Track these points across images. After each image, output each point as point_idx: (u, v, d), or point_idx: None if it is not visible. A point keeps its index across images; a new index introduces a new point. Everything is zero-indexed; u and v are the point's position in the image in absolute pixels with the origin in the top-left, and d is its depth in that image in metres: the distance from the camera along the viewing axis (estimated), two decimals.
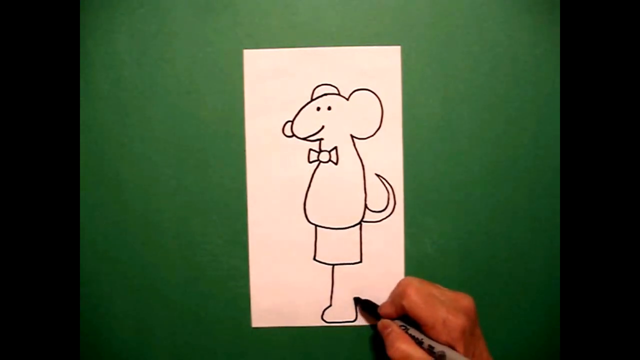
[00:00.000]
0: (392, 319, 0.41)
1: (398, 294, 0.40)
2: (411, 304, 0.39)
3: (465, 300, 0.39)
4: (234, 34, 0.44)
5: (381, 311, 0.42)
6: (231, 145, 0.44)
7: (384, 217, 0.44)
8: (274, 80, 0.44)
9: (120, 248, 0.45)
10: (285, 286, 0.45)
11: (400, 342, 0.38)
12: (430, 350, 0.37)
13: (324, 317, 0.45)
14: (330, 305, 0.45)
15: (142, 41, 0.44)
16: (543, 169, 0.44)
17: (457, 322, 0.37)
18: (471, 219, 0.44)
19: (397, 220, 0.44)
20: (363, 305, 0.44)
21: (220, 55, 0.44)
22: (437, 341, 0.37)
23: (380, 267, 0.44)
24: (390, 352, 0.38)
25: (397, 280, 0.44)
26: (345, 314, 0.45)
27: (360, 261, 0.45)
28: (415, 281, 0.40)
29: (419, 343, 0.38)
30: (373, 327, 0.45)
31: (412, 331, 0.39)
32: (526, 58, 0.44)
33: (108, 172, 0.44)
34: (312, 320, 0.45)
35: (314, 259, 0.45)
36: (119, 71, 0.44)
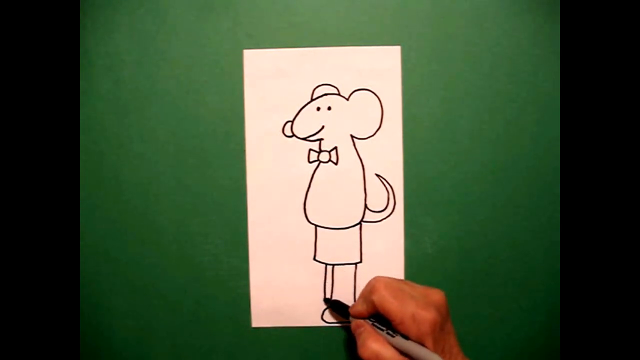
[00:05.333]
0: (364, 318, 0.40)
1: (368, 291, 0.40)
2: (381, 299, 0.38)
3: (436, 295, 0.39)
4: (234, 34, 0.44)
5: (352, 310, 0.42)
6: (231, 145, 0.44)
7: (384, 217, 0.44)
8: (274, 80, 0.44)
9: (120, 248, 0.45)
10: (285, 286, 0.45)
11: (371, 340, 0.38)
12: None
13: (324, 318, 0.45)
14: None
15: (142, 41, 0.44)
16: (543, 169, 0.44)
17: (426, 316, 0.36)
18: (471, 219, 0.44)
19: (397, 220, 0.44)
20: (333, 306, 0.44)
21: (220, 55, 0.44)
22: (407, 337, 0.37)
23: (380, 267, 0.44)
24: (361, 351, 0.38)
25: None
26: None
27: (360, 261, 0.45)
28: (384, 278, 0.40)
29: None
30: None
31: (385, 329, 0.38)
32: (526, 58, 0.44)
33: (108, 172, 0.44)
34: (312, 320, 0.45)
35: (314, 259, 0.45)
36: (119, 71, 0.44)
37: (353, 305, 0.42)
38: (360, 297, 0.42)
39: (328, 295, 0.45)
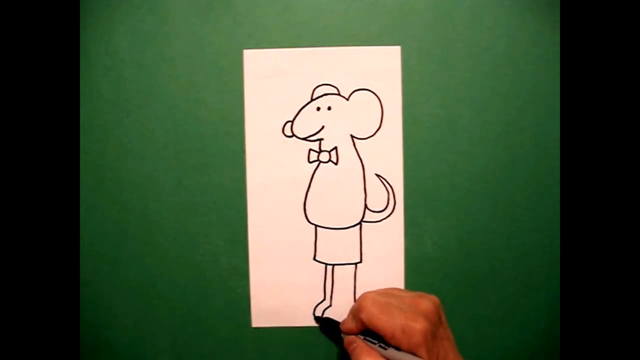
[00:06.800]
0: (355, 334, 0.40)
1: (356, 309, 0.40)
2: (369, 316, 0.38)
3: (424, 304, 0.39)
4: (234, 34, 0.44)
5: (343, 327, 0.42)
6: (231, 145, 0.44)
7: (384, 217, 0.44)
8: (274, 80, 0.44)
9: (120, 248, 0.45)
10: (285, 286, 0.45)
11: (364, 355, 0.38)
12: None
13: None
14: (330, 306, 0.45)
15: (142, 41, 0.44)
16: (543, 169, 0.44)
17: (416, 327, 0.36)
18: (471, 219, 0.44)
19: (397, 220, 0.44)
20: (323, 324, 0.44)
21: (220, 55, 0.44)
22: (399, 349, 0.37)
23: (380, 267, 0.44)
24: None
25: (397, 280, 0.44)
26: (345, 314, 0.45)
27: (360, 261, 0.45)
28: (372, 294, 0.40)
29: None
30: None
31: (377, 342, 0.38)
32: (526, 58, 0.44)
33: (108, 172, 0.44)
34: (312, 320, 0.45)
35: (314, 259, 0.45)
36: (119, 71, 0.44)
37: (343, 321, 0.42)
38: (349, 313, 0.42)
39: (329, 296, 0.45)
